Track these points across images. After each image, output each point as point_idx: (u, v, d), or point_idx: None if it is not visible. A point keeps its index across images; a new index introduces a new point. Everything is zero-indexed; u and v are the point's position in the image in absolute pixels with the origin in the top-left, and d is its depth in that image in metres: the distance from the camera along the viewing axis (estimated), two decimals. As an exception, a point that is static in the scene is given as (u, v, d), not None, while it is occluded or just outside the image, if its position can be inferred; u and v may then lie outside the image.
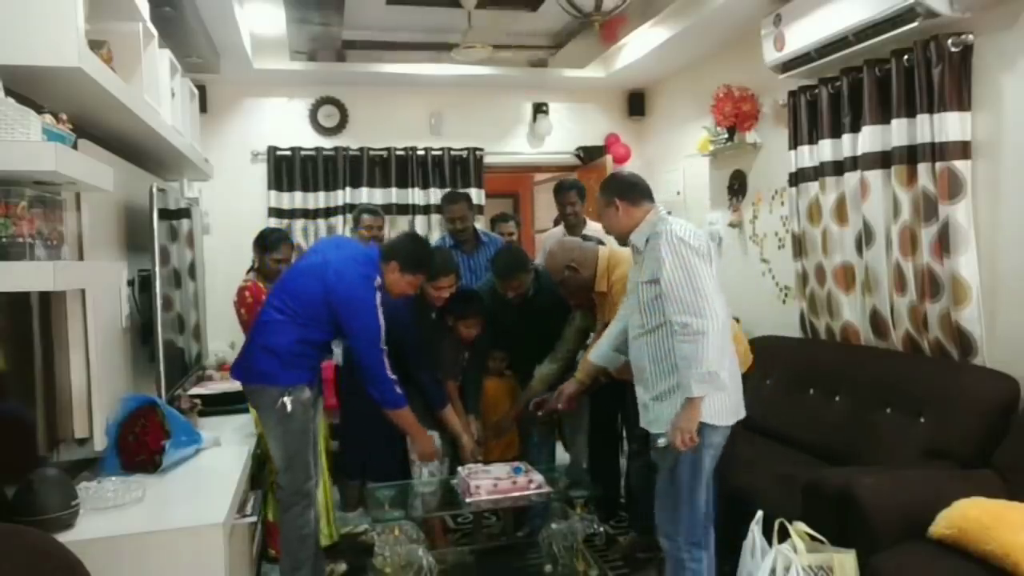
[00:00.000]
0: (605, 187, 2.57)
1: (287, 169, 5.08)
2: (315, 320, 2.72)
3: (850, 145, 3.33)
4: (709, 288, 2.29)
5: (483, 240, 4.15)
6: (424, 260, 2.88)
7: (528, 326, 3.42)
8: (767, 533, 2.45)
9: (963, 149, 2.85)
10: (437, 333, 3.31)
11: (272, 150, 5.07)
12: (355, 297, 2.68)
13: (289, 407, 2.67)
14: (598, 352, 2.89)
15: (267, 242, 3.50)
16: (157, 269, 2.79)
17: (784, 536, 2.38)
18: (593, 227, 4.13)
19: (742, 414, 2.49)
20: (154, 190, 2.80)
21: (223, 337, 4.41)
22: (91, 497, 2.05)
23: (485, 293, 3.45)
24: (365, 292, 2.70)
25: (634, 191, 2.53)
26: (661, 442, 2.35)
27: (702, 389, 2.24)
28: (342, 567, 3.31)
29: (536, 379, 3.41)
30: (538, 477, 2.91)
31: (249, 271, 3.58)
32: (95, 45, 2.09)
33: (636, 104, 5.74)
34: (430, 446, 3.03)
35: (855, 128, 3.29)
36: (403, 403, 2.80)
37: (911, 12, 2.84)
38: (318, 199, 5.11)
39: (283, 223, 4.91)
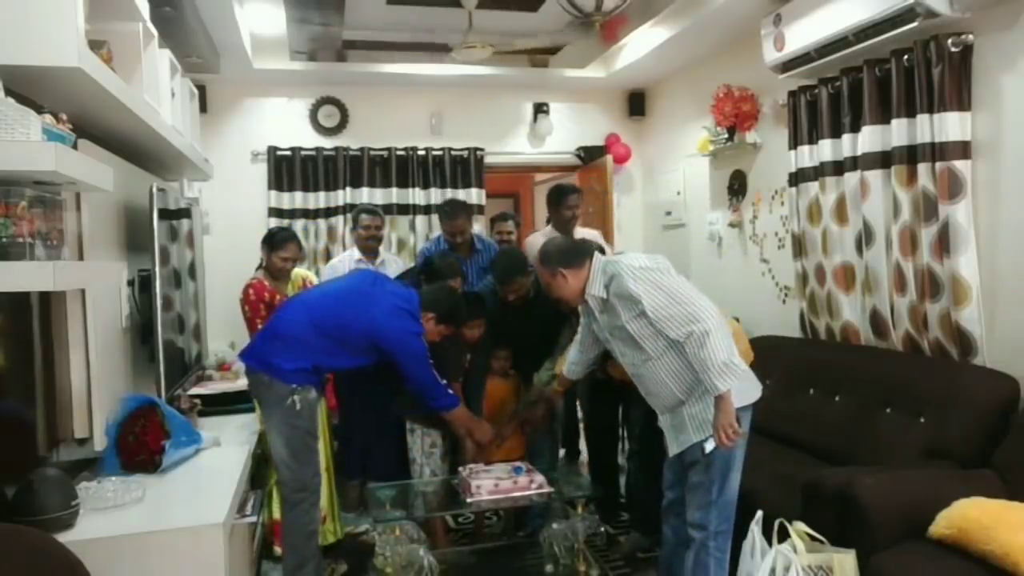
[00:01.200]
0: (547, 261, 2.60)
1: (287, 169, 5.08)
2: (358, 349, 2.80)
3: (850, 145, 3.33)
4: (689, 293, 2.36)
5: (478, 248, 4.11)
6: (459, 315, 3.05)
7: (529, 329, 3.42)
8: (767, 533, 2.45)
9: (963, 149, 2.85)
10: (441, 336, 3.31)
11: (272, 150, 5.07)
12: (402, 329, 2.79)
13: (298, 405, 2.70)
14: (573, 370, 2.99)
15: (274, 241, 3.51)
16: (157, 269, 2.79)
17: (784, 536, 2.38)
18: (584, 232, 4.11)
19: (757, 394, 2.52)
20: (154, 190, 2.80)
21: (223, 337, 4.42)
22: (91, 497, 2.05)
23: (486, 295, 3.45)
24: (411, 324, 2.82)
25: (574, 255, 2.57)
26: (709, 447, 2.37)
27: (725, 382, 2.27)
28: (343, 567, 3.31)
29: (536, 384, 3.41)
30: (539, 477, 2.92)
31: (257, 269, 3.59)
32: (95, 45, 2.09)
33: (636, 104, 5.74)
34: (488, 432, 3.14)
35: (855, 128, 3.29)
36: (457, 402, 2.97)
37: (911, 12, 2.84)
38: (318, 199, 5.11)
39: (283, 223, 4.90)
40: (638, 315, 2.40)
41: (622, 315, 2.44)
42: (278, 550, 3.27)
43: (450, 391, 2.94)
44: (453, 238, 3.99)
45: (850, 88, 3.32)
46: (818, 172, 3.56)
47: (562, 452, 4.37)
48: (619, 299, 2.44)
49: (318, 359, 2.77)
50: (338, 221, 5.10)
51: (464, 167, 5.34)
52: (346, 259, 4.22)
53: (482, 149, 5.40)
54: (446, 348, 3.29)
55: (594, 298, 2.54)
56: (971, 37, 2.81)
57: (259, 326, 3.22)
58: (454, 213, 3.99)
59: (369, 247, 4.13)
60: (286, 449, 2.74)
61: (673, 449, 2.54)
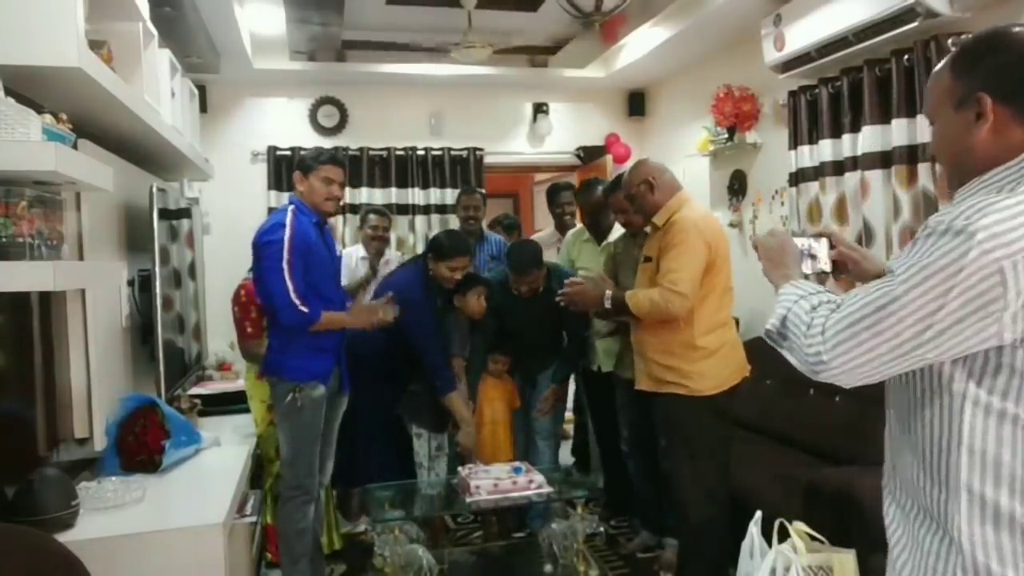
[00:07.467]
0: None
1: (287, 169, 5.07)
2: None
3: (850, 145, 3.33)
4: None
5: (486, 236, 4.27)
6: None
7: (534, 321, 3.42)
8: (767, 533, 2.45)
9: (963, 149, 2.84)
10: (444, 316, 3.33)
11: (272, 150, 5.07)
12: (261, 239, 2.68)
13: (299, 403, 2.69)
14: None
15: None
16: (157, 269, 2.79)
17: (784, 536, 2.37)
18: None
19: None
20: (154, 190, 2.80)
21: (223, 337, 4.40)
22: (91, 497, 2.05)
23: (494, 286, 3.45)
24: (272, 231, 2.68)
25: None
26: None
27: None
28: (342, 567, 3.31)
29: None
30: (538, 477, 2.91)
31: (250, 269, 3.58)
32: (95, 45, 2.08)
33: (636, 104, 5.74)
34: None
35: (855, 128, 3.29)
36: (315, 322, 2.68)
37: (911, 12, 2.84)
38: (318, 199, 5.11)
39: (283, 223, 4.91)
40: None
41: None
42: (269, 555, 3.27)
43: (301, 306, 2.63)
44: (467, 211, 4.16)
45: (850, 88, 3.32)
46: (818, 172, 3.56)
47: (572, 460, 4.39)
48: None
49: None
50: (337, 220, 5.10)
51: (464, 167, 5.34)
52: (352, 253, 4.28)
53: (481, 149, 5.40)
54: (449, 323, 3.32)
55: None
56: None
57: (248, 328, 3.19)
58: (471, 190, 4.36)
59: (374, 247, 4.15)
60: (287, 447, 2.76)
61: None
